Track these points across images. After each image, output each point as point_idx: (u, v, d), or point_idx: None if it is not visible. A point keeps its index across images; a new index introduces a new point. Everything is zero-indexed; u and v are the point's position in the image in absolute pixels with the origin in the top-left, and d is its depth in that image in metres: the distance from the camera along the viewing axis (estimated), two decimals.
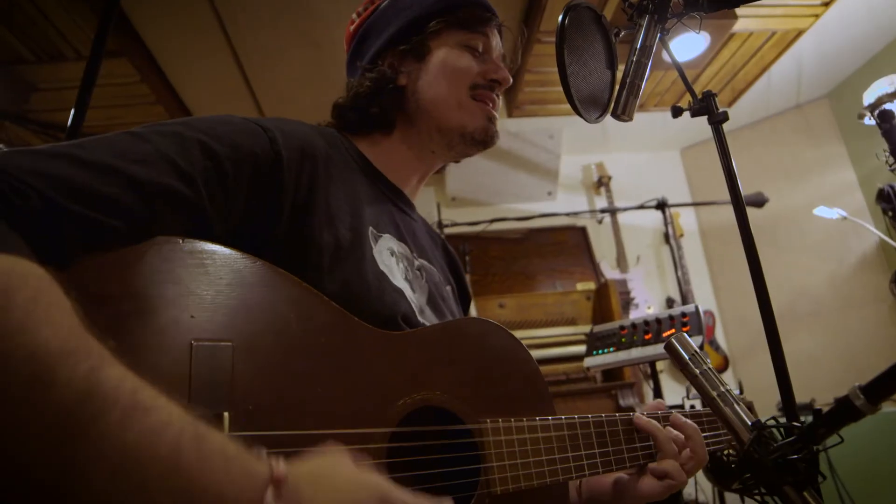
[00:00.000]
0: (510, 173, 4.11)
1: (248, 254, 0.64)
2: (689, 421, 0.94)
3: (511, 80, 0.98)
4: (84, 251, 0.53)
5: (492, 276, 3.84)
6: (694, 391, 0.78)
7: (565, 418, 0.85)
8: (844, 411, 0.64)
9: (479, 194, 4.25)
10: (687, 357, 0.74)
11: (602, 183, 4.35)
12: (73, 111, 1.32)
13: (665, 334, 1.63)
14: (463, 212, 4.23)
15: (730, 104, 3.83)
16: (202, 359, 0.55)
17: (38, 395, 0.42)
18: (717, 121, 1.11)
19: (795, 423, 0.70)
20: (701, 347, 1.59)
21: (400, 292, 0.83)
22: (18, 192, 0.51)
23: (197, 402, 0.53)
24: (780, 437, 0.70)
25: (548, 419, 0.83)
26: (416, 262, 0.94)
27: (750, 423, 0.70)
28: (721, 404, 0.72)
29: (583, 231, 4.17)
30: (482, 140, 0.96)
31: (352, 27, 1.04)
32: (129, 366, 0.48)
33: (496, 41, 1.00)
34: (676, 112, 1.16)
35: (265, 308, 0.63)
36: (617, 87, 0.91)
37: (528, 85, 3.31)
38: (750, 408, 1.20)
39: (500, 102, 1.02)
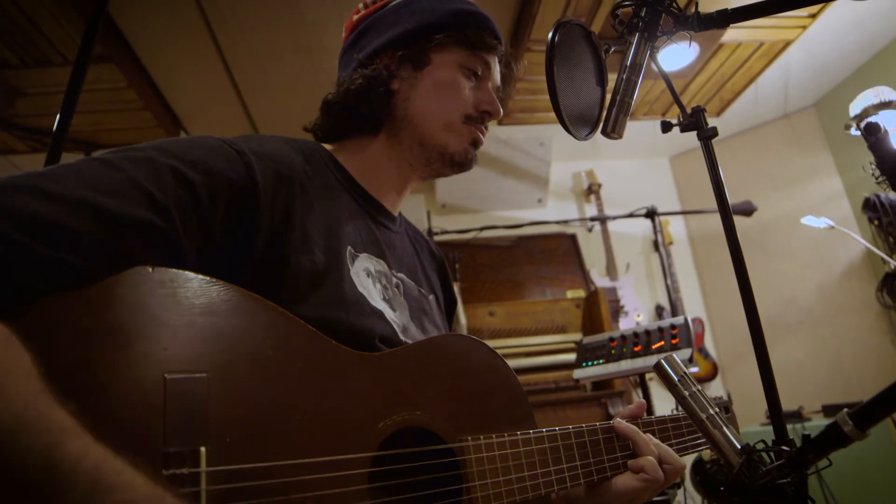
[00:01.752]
0: (500, 181, 4.11)
1: (222, 280, 0.62)
2: (656, 445, 0.94)
3: (502, 112, 0.98)
4: (53, 291, 0.51)
5: (481, 284, 3.83)
6: None
7: (546, 431, 0.85)
8: (833, 437, 0.63)
9: (469, 201, 4.24)
10: (676, 379, 0.74)
11: (592, 190, 4.37)
12: (58, 116, 1.30)
13: (654, 346, 1.63)
14: (453, 219, 4.22)
15: (718, 114, 3.86)
16: (176, 393, 0.54)
17: None
18: (707, 136, 1.11)
19: (784, 448, 0.69)
20: (691, 359, 1.59)
21: (379, 314, 0.82)
22: None
23: (172, 438, 0.52)
24: (769, 460, 0.70)
25: (528, 433, 0.83)
26: (395, 279, 0.93)
27: (739, 447, 0.70)
28: (710, 427, 0.72)
29: (572, 238, 4.18)
30: (460, 162, 0.95)
31: (356, 16, 1.01)
32: (97, 396, 0.46)
33: (496, 71, 1.00)
34: (666, 127, 1.16)
35: (240, 336, 0.61)
36: (607, 103, 0.91)
37: (519, 93, 3.32)
38: (726, 409, 1.21)
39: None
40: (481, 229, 3.13)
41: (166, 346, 0.56)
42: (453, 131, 0.94)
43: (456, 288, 3.01)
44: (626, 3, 0.82)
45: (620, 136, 0.85)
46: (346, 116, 0.94)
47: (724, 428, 0.72)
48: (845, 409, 0.62)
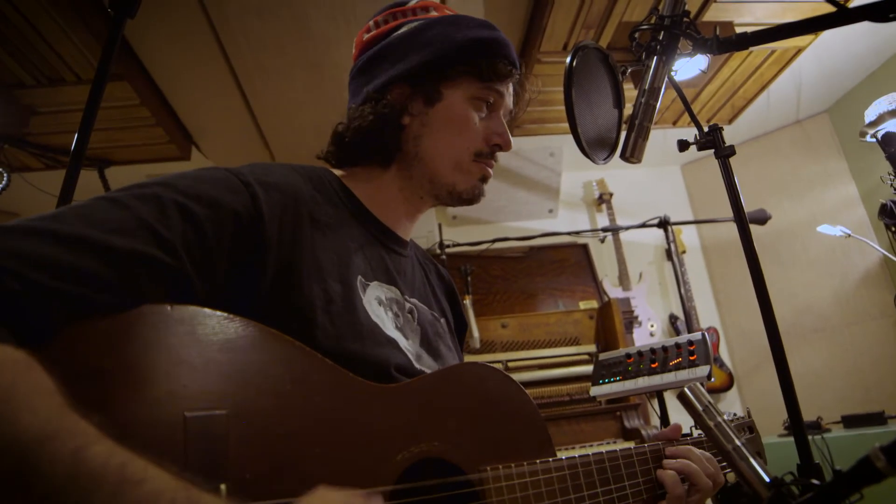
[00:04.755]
0: (511, 191, 4.10)
1: (237, 315, 0.63)
2: (685, 445, 0.95)
3: (512, 145, 0.96)
4: (68, 325, 0.53)
5: (493, 296, 3.81)
6: None
7: (565, 459, 0.84)
8: (865, 472, 0.61)
9: (480, 213, 4.24)
10: (701, 409, 0.73)
11: (603, 200, 4.34)
12: (76, 135, 1.31)
13: (672, 363, 1.61)
14: (464, 231, 4.22)
15: (730, 121, 3.83)
16: (196, 431, 0.54)
17: (23, 484, 0.42)
18: (724, 155, 1.10)
19: (815, 481, 0.68)
20: (709, 376, 1.57)
21: (393, 343, 0.82)
22: None
23: (193, 476, 0.53)
24: (797, 493, 0.68)
25: (548, 461, 0.81)
26: (407, 305, 0.92)
27: (768, 480, 0.68)
28: (737, 458, 0.71)
29: (584, 248, 4.16)
30: (468, 199, 0.95)
31: (367, 35, 0.98)
32: (117, 439, 0.47)
33: (508, 97, 0.97)
34: (683, 146, 1.15)
35: (258, 371, 0.62)
36: (625, 126, 0.90)
37: (529, 104, 3.31)
38: (750, 429, 1.19)
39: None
40: (493, 241, 3.11)
41: (185, 384, 0.56)
42: (462, 171, 0.93)
43: (468, 301, 3.00)
44: (644, 26, 0.81)
45: (639, 161, 0.85)
46: (357, 149, 0.94)
47: (751, 459, 0.71)
48: (878, 444, 0.60)
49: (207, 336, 0.59)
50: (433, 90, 0.91)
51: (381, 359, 0.77)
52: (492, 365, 0.85)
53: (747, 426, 1.16)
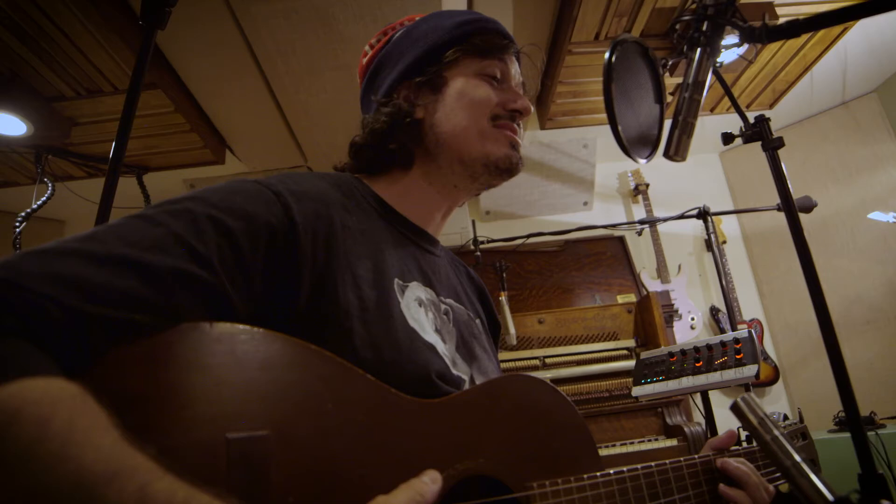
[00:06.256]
0: (545, 185, 4.04)
1: (274, 330, 0.62)
2: (741, 467, 0.90)
3: (532, 109, 0.94)
4: (110, 348, 0.52)
5: (528, 291, 3.76)
6: None
7: (613, 472, 0.81)
8: None
9: (514, 207, 4.19)
10: (756, 422, 0.69)
11: (639, 190, 4.25)
12: (113, 145, 1.33)
13: (717, 362, 1.55)
14: (498, 226, 4.18)
15: (770, 106, 3.69)
16: (238, 454, 0.53)
17: None
18: (773, 147, 1.05)
19: (886, 501, 0.63)
20: (757, 375, 1.51)
21: (432, 348, 0.80)
22: (35, 306, 0.49)
23: (237, 501, 0.51)
24: None
25: (595, 475, 0.79)
26: (443, 306, 0.91)
27: (832, 499, 0.64)
28: (797, 475, 0.67)
29: (621, 241, 4.07)
30: (507, 168, 0.92)
31: (364, 59, 1.02)
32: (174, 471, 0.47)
33: (515, 68, 0.97)
34: (727, 139, 1.10)
35: (299, 390, 0.61)
36: (667, 122, 0.86)
37: (561, 96, 3.24)
38: (804, 435, 1.14)
39: (523, 130, 0.99)
40: (528, 237, 3.07)
41: (226, 405, 0.55)
42: (489, 138, 0.91)
43: (503, 297, 2.96)
44: (686, 16, 0.77)
45: (684, 159, 0.80)
46: (377, 156, 0.94)
47: (812, 476, 0.67)
48: None
49: (247, 354, 0.58)
50: (437, 78, 0.93)
51: (421, 366, 0.76)
52: (535, 375, 0.83)
53: (800, 432, 1.10)
